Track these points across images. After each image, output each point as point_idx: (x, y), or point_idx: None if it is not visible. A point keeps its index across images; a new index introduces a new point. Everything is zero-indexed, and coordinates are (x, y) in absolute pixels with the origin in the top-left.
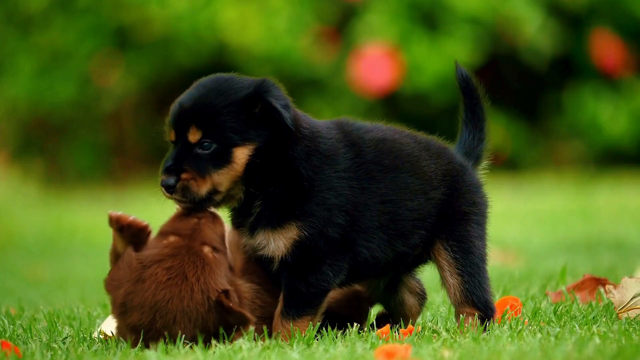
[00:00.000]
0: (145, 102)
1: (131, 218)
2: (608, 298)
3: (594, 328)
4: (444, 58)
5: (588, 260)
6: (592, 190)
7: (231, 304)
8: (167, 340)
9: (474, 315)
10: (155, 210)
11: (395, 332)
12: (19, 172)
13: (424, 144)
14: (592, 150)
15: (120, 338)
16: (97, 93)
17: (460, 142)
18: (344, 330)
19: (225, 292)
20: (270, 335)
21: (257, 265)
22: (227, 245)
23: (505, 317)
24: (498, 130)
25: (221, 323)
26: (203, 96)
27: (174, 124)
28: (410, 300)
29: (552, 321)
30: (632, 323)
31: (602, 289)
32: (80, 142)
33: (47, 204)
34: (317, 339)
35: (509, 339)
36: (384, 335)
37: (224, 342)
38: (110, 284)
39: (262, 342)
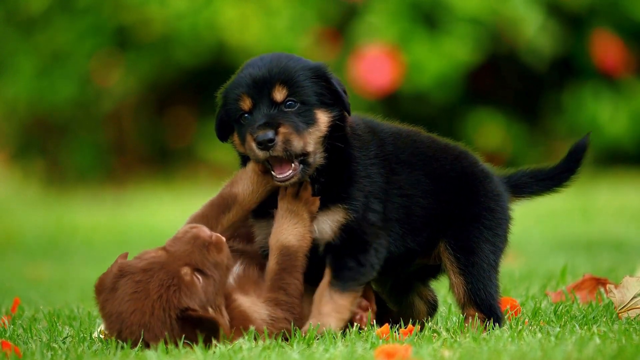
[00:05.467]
0: (145, 102)
1: None
2: (609, 297)
3: (594, 328)
4: (444, 58)
5: (588, 260)
6: (592, 190)
7: (199, 313)
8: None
9: (481, 319)
10: (155, 210)
11: (395, 332)
12: (19, 172)
13: (442, 145)
14: (592, 150)
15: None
16: (97, 93)
17: (517, 172)
18: (344, 330)
19: (192, 310)
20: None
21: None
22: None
23: (505, 317)
24: (498, 131)
25: (189, 335)
26: (274, 61)
27: (252, 90)
28: (419, 305)
29: (552, 321)
30: (633, 323)
31: (602, 289)
32: (80, 142)
33: (47, 204)
34: (317, 339)
35: (509, 339)
36: (384, 335)
37: (223, 343)
38: (97, 288)
39: (262, 342)
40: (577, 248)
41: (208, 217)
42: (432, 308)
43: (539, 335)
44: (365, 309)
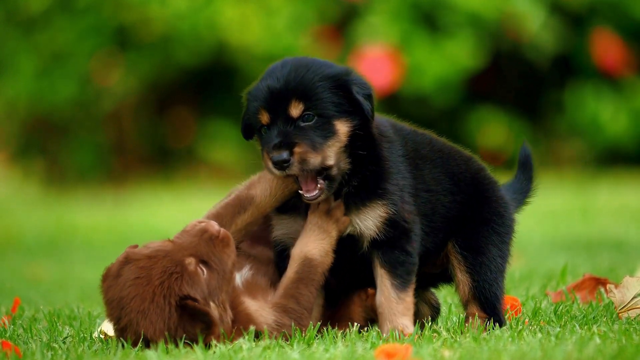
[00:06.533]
0: (145, 102)
1: None
2: (609, 297)
3: (595, 328)
4: (445, 60)
5: (588, 260)
6: (592, 190)
7: (196, 304)
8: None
9: (482, 319)
10: (155, 210)
11: (395, 332)
12: (19, 172)
13: (454, 147)
14: (592, 149)
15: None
16: (98, 93)
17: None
18: (344, 330)
19: (193, 300)
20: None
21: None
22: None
23: (506, 317)
24: (500, 129)
25: (186, 328)
26: (292, 72)
27: (269, 104)
28: (423, 309)
29: (552, 321)
30: (633, 323)
31: (602, 289)
32: (80, 142)
33: (47, 204)
34: (317, 339)
35: (510, 339)
36: (384, 335)
37: (224, 342)
38: (103, 276)
39: (262, 342)
40: (577, 248)
41: (222, 216)
42: (436, 311)
43: (539, 335)
44: None
